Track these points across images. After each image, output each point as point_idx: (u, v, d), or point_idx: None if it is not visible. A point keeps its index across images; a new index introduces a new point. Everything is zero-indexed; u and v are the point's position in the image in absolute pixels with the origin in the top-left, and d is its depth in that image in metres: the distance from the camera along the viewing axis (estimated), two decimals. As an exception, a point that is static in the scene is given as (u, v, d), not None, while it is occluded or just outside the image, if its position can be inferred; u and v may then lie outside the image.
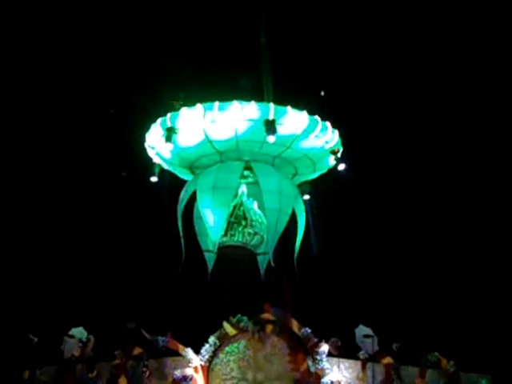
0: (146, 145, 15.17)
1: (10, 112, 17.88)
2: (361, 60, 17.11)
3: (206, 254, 15.36)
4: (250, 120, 13.42)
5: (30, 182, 18.13)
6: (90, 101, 18.10)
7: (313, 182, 15.56)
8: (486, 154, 17.38)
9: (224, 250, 14.59)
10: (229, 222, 14.46)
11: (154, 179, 15.45)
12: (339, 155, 14.44)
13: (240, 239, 14.51)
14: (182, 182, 15.76)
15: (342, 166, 14.49)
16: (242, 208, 14.79)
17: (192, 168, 15.39)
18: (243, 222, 14.63)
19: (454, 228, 17.41)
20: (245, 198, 14.92)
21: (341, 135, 14.32)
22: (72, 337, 14.57)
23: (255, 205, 14.94)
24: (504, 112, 17.32)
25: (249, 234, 14.54)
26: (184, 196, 15.29)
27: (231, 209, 14.53)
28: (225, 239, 14.53)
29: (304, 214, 14.90)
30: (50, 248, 18.19)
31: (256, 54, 15.19)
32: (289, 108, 13.49)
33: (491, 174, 17.34)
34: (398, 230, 17.53)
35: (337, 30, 16.61)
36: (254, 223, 14.57)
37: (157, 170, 15.57)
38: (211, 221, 14.15)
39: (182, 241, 15.00)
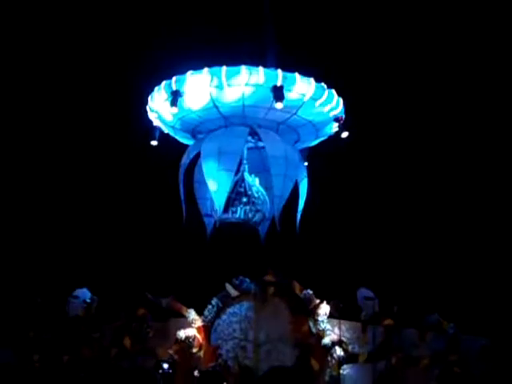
0: (148, 108, 15.13)
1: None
2: (368, 31, 17.22)
3: (206, 218, 15.58)
4: (258, 86, 13.53)
5: (36, 144, 17.99)
6: (91, 60, 17.88)
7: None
8: (482, 124, 17.70)
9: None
10: (229, 198, 14.56)
11: (154, 143, 15.44)
12: (342, 123, 14.68)
13: (242, 216, 14.66)
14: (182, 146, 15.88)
15: (345, 134, 14.71)
16: (243, 185, 14.95)
17: (194, 132, 15.48)
18: (244, 199, 14.83)
19: (453, 192, 17.75)
20: (246, 175, 15.03)
21: (345, 103, 14.56)
22: (76, 297, 14.76)
23: (257, 181, 15.09)
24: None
25: (250, 210, 14.72)
26: (185, 160, 15.37)
27: (232, 185, 14.54)
28: (226, 216, 14.62)
29: (306, 180, 15.16)
30: (54, 210, 18.15)
31: (261, 20, 15.14)
32: (296, 74, 13.65)
33: (486, 140, 17.68)
34: (399, 193, 17.81)
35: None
36: (256, 200, 14.77)
37: (157, 134, 15.58)
38: (216, 185, 14.29)
39: (184, 204, 15.18)
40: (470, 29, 16.94)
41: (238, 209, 14.70)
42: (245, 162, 15.07)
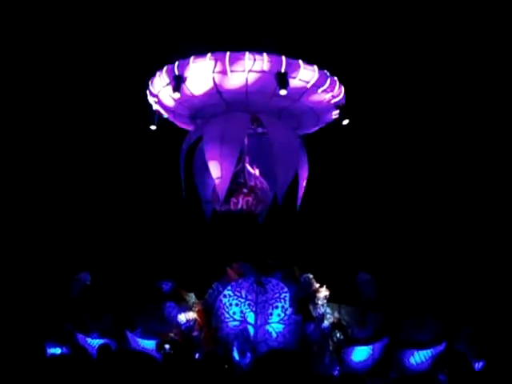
0: (148, 92, 15.08)
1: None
2: (369, 18, 17.32)
3: (205, 204, 15.62)
4: (262, 72, 13.57)
5: (37, 130, 17.90)
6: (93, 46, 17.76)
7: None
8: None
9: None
10: (230, 189, 14.46)
11: (153, 127, 15.39)
12: (343, 110, 14.79)
13: (244, 207, 14.71)
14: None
15: (346, 121, 14.82)
16: (242, 175, 14.99)
17: (194, 118, 15.45)
18: (245, 190, 14.84)
19: (452, 180, 17.99)
20: (247, 165, 15.07)
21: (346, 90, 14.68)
22: (78, 280, 14.84)
23: (257, 172, 15.17)
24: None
25: (252, 201, 14.75)
26: (186, 145, 15.34)
27: (231, 175, 14.42)
28: (228, 207, 14.65)
29: (306, 166, 15.28)
30: (58, 196, 18.09)
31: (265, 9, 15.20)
32: (300, 61, 13.72)
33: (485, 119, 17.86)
34: (399, 179, 18.00)
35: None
36: (257, 191, 14.84)
37: (156, 118, 15.51)
38: (218, 171, 14.32)
39: (184, 189, 15.20)
40: (468, 15, 17.11)
41: (240, 199, 14.80)
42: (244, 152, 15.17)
